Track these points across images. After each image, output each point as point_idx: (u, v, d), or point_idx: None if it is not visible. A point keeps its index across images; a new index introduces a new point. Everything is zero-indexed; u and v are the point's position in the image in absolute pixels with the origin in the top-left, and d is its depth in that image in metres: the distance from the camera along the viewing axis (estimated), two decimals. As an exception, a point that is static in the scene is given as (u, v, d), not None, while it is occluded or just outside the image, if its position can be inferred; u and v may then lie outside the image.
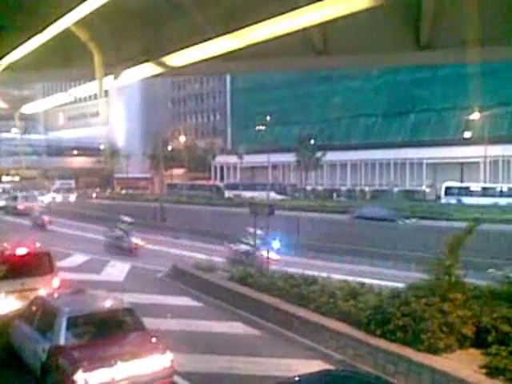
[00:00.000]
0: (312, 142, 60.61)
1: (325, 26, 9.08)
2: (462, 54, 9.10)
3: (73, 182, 75.47)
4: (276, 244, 18.94)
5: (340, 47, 9.69)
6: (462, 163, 55.24)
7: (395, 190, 54.56)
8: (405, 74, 57.93)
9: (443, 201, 46.81)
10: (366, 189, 57.73)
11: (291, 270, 14.92)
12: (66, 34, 9.21)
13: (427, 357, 8.48)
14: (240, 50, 8.92)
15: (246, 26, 8.07)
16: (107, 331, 8.14)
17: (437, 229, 23.10)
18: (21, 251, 12.04)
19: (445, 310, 9.19)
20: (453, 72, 50.23)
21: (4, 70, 11.44)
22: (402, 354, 8.71)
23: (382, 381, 6.87)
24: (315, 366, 8.88)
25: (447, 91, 56.42)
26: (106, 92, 67.94)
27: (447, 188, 48.34)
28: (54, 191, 64.42)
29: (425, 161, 57.79)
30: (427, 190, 53.44)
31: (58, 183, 71.96)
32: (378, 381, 6.61)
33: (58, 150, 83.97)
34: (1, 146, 73.04)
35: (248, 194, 54.48)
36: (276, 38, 8.10)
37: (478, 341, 8.92)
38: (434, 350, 8.63)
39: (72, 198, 60.29)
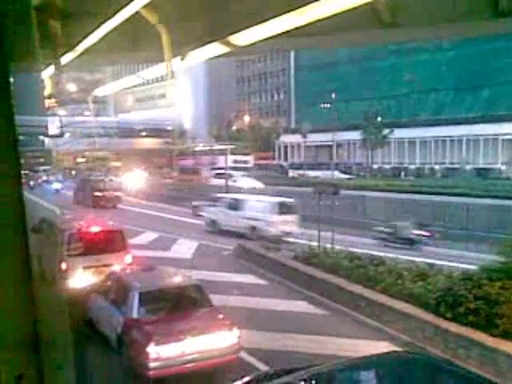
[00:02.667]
0: (379, 118, 58.96)
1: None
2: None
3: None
4: None
5: (409, 19, 9.24)
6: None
7: (467, 167, 52.16)
8: (479, 44, 54.54)
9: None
10: (436, 167, 55.58)
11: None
12: (136, 17, 9.42)
13: (502, 342, 8.13)
14: (305, 26, 8.74)
15: (311, 2, 7.89)
16: (177, 306, 8.44)
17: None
18: (95, 229, 12.67)
19: (521, 294, 8.75)
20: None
21: (78, 55, 11.90)
22: (475, 338, 8.40)
23: (453, 365, 6.66)
24: (382, 347, 8.78)
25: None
26: (173, 74, 69.17)
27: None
28: None
29: (500, 137, 54.64)
30: (503, 168, 50.65)
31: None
32: (448, 365, 6.41)
33: (128, 132, 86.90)
34: (75, 128, 76.59)
35: (312, 174, 54.09)
36: (342, 12, 7.86)
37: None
38: (509, 336, 8.25)
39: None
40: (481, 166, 52.92)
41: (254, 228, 20.98)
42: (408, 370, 5.67)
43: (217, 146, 59.07)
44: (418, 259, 14.00)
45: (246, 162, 59.61)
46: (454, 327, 8.87)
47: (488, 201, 27.48)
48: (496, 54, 55.10)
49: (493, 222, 21.53)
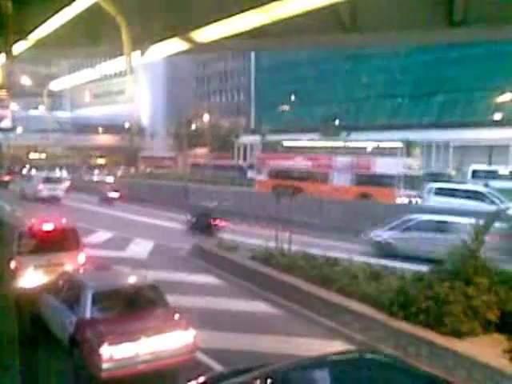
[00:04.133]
0: (337, 122, 59.87)
1: (354, 2, 8.88)
2: (497, 30, 8.80)
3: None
4: None
5: (369, 24, 9.45)
6: (491, 146, 53.94)
7: (420, 172, 53.60)
8: (433, 53, 56.34)
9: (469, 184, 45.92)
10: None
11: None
12: (94, 8, 9.21)
13: (450, 340, 8.43)
14: (267, 26, 8.79)
15: (274, 1, 7.93)
16: (131, 307, 8.31)
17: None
18: (47, 227, 12.29)
19: (469, 294, 9.09)
20: (483, 51, 48.79)
21: (31, 46, 11.52)
22: (425, 336, 8.67)
23: (403, 362, 6.84)
24: (337, 346, 8.93)
25: (477, 71, 54.78)
26: (132, 69, 67.99)
27: (474, 171, 47.27)
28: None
29: (452, 143, 56.60)
30: (453, 173, 52.46)
31: None
32: (398, 362, 6.58)
33: (84, 128, 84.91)
34: (29, 122, 74.15)
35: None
36: (304, 13, 7.94)
37: (503, 326, 8.80)
38: (457, 334, 8.56)
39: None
40: (433, 170, 54.58)
41: None
42: (360, 367, 5.78)
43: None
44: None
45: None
46: (405, 326, 9.13)
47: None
48: (448, 62, 57.04)
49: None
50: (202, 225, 22.42)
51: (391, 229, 19.33)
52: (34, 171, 50.53)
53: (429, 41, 16.15)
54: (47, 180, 36.87)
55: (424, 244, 17.79)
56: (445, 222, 18.27)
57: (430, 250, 16.42)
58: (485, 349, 8.06)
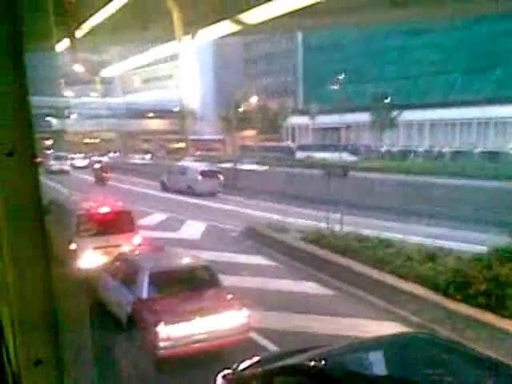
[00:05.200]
0: (387, 100, 58.34)
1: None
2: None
3: None
4: None
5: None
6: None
7: (476, 150, 51.61)
8: (489, 24, 53.63)
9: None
10: (445, 150, 55.09)
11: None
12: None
13: (512, 324, 8.14)
14: (316, 5, 8.61)
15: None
16: (186, 287, 8.48)
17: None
18: (104, 210, 12.71)
19: (532, 275, 8.72)
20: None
21: (87, 34, 11.78)
22: (485, 319, 8.40)
23: (461, 345, 6.66)
24: (392, 327, 8.81)
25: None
26: (182, 54, 68.80)
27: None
28: None
29: (510, 119, 53.99)
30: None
31: None
32: (457, 345, 6.41)
33: (135, 113, 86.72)
34: (82, 109, 76.54)
35: (320, 155, 53.73)
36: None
37: None
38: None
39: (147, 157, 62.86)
40: (491, 149, 52.33)
41: None
42: (417, 350, 5.68)
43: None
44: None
45: None
46: (463, 308, 8.88)
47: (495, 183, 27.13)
48: (506, 34, 54.13)
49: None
50: None
51: None
52: (188, 162, 43.56)
53: (482, 11, 15.42)
54: (205, 173, 31.98)
55: None
56: None
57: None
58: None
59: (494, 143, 54.41)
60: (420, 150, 57.81)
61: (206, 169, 33.64)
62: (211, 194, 30.86)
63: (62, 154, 52.36)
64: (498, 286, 8.72)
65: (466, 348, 6.46)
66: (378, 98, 58.52)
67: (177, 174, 33.90)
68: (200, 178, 31.50)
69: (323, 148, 59.14)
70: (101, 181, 36.02)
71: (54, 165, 44.47)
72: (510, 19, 49.40)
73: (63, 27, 9.11)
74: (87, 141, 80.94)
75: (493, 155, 48.54)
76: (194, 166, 36.48)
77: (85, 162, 54.00)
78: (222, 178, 32.67)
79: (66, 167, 46.97)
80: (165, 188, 33.59)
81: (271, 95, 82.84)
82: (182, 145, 76.86)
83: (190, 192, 30.70)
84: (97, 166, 39.92)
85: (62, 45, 11.92)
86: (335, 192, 16.22)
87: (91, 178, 37.89)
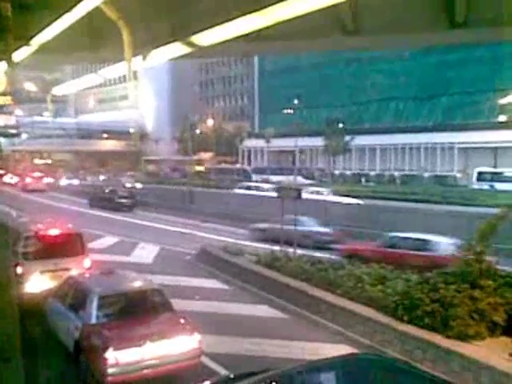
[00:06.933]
0: (340, 125, 59.85)
1: (355, 4, 8.86)
2: (499, 32, 8.79)
3: None
4: None
5: (371, 27, 9.43)
6: (495, 148, 53.76)
7: (426, 175, 53.56)
8: (437, 55, 56.35)
9: (475, 186, 45.74)
10: (396, 174, 56.87)
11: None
12: (96, 13, 9.22)
13: (456, 343, 8.38)
14: (268, 29, 8.76)
15: (275, 3, 7.93)
16: (137, 311, 8.30)
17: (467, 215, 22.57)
18: (53, 232, 12.31)
19: (475, 296, 9.05)
20: (486, 53, 48.79)
21: (34, 52, 11.56)
22: (430, 340, 8.62)
23: (410, 366, 6.80)
24: (342, 350, 8.90)
25: (481, 73, 54.78)
26: (135, 75, 68.42)
27: (479, 173, 47.16)
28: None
29: (456, 145, 56.51)
30: (458, 175, 52.31)
31: None
32: (405, 366, 6.54)
33: (89, 133, 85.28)
34: (33, 128, 74.55)
35: (275, 178, 54.27)
36: (305, 15, 7.92)
37: (510, 329, 8.76)
38: (463, 337, 8.51)
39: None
40: (438, 173, 54.47)
41: None
42: (366, 371, 5.75)
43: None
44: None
45: None
46: (410, 329, 9.08)
47: (444, 207, 28.28)
48: (452, 65, 57.04)
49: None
50: None
51: None
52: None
53: (430, 43, 16.14)
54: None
55: None
56: None
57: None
58: (492, 352, 8.01)
59: (441, 167, 56.68)
60: (372, 173, 59.43)
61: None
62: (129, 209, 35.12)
63: None
64: (442, 307, 9.00)
65: (414, 368, 6.61)
66: (331, 122, 59.94)
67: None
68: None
69: (278, 171, 59.86)
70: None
71: None
72: (455, 52, 52.25)
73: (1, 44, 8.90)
74: (39, 161, 78.59)
75: (441, 179, 50.53)
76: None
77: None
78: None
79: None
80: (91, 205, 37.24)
81: (227, 118, 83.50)
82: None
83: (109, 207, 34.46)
84: None
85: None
86: (288, 214, 16.40)
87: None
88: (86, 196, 40.55)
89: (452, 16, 8.49)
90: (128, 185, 45.77)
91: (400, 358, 7.81)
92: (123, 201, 36.04)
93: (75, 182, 55.06)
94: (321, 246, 19.63)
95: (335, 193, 36.10)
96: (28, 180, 49.20)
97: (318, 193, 32.96)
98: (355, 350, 8.89)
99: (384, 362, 6.15)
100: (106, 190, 38.27)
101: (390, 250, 15.76)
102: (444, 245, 14.85)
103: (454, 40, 12.08)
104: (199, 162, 66.21)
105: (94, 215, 32.41)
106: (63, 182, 54.27)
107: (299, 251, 15.13)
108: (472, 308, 8.86)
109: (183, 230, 26.18)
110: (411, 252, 15.16)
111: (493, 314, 8.80)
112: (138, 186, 45.90)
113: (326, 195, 32.37)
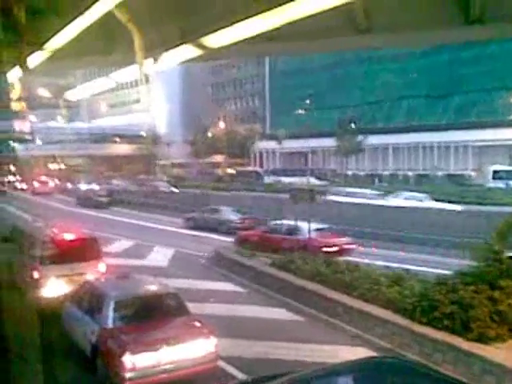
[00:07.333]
0: (353, 125, 59.57)
1: (368, 3, 8.76)
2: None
3: None
4: None
5: (384, 25, 9.30)
6: (510, 146, 53.05)
7: (439, 174, 53.08)
8: (449, 53, 55.83)
9: (490, 185, 45.17)
10: (409, 173, 56.44)
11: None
12: (107, 17, 9.23)
13: (476, 346, 8.23)
14: (279, 30, 8.68)
15: (286, 3, 7.86)
16: (153, 315, 8.29)
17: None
18: (68, 237, 12.38)
19: (494, 297, 8.89)
20: (500, 49, 48.19)
21: (47, 58, 11.62)
22: (450, 342, 8.48)
23: (429, 369, 6.70)
24: (360, 352, 8.81)
25: (494, 70, 54.07)
26: (147, 78, 68.65)
27: (495, 172, 46.57)
28: None
29: (470, 143, 55.94)
30: (472, 174, 51.75)
31: None
32: (424, 369, 6.44)
33: (102, 138, 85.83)
34: (47, 134, 75.25)
35: (287, 180, 54.15)
36: (317, 14, 7.84)
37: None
38: (483, 340, 8.35)
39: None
40: (452, 172, 53.96)
41: None
42: (385, 374, 5.68)
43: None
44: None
45: None
46: (429, 332, 8.95)
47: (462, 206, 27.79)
48: (465, 62, 56.43)
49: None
50: None
51: None
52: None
53: (445, 40, 15.89)
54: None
55: None
56: None
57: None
58: (513, 354, 7.86)
59: (455, 166, 56.14)
60: (385, 173, 59.04)
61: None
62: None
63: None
64: (461, 309, 8.85)
65: (434, 371, 6.51)
66: (344, 123, 59.69)
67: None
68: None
69: (290, 173, 59.75)
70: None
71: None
72: (467, 49, 51.76)
73: (16, 49, 8.94)
74: (54, 166, 79.23)
75: (456, 178, 50.03)
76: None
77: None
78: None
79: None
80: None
81: (239, 120, 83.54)
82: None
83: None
84: None
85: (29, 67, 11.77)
86: (303, 215, 16.34)
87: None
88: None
89: (467, 12, 8.35)
90: (163, 189, 45.84)
91: (420, 361, 7.67)
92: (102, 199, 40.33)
93: (95, 187, 55.56)
94: (232, 232, 22.94)
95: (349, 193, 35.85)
96: (36, 184, 55.29)
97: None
98: (374, 353, 8.79)
99: (404, 365, 6.06)
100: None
101: (270, 235, 19.22)
102: (307, 230, 16.87)
103: (470, 37, 11.91)
104: (229, 165, 66.61)
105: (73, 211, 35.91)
106: (82, 186, 54.81)
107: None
108: (492, 309, 8.70)
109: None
110: (285, 236, 18.40)
111: (514, 316, 8.64)
112: (175, 190, 45.58)
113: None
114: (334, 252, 17.01)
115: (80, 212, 35.87)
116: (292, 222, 18.65)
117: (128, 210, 37.90)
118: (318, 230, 17.98)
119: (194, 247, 20.77)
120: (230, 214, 26.48)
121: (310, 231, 16.50)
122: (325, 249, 16.70)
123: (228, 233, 23.68)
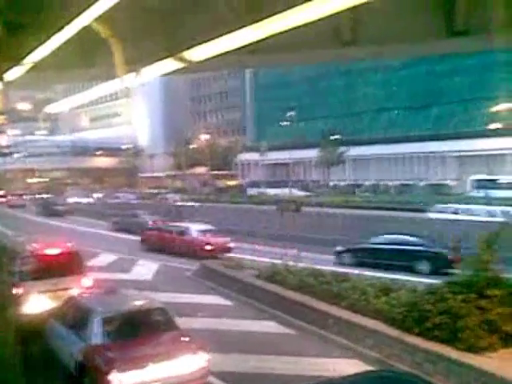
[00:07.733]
0: (335, 136, 60.05)
1: (353, 15, 8.80)
2: (499, 40, 8.78)
3: None
4: None
5: (369, 37, 9.39)
6: (488, 156, 54.00)
7: (421, 184, 53.71)
8: (428, 65, 56.83)
9: (470, 194, 45.83)
10: (390, 183, 56.98)
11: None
12: (87, 31, 9.12)
13: (467, 356, 8.19)
14: (263, 42, 8.64)
15: (270, 16, 7.84)
16: (141, 331, 8.08)
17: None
18: (50, 251, 12.07)
19: (483, 306, 8.90)
20: (477, 62, 49.17)
21: (27, 72, 11.43)
22: (441, 352, 8.44)
23: (424, 381, 6.64)
24: (352, 364, 8.72)
25: (472, 82, 55.24)
26: (128, 91, 68.33)
27: (474, 181, 47.34)
28: None
29: (449, 153, 56.84)
30: (452, 184, 52.50)
31: None
32: (419, 381, 6.38)
33: (83, 151, 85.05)
34: (27, 147, 74.24)
35: (271, 192, 54.24)
36: (301, 27, 7.82)
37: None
38: (474, 349, 8.33)
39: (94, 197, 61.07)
40: (433, 182, 54.66)
41: None
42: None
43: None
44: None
45: None
46: (420, 342, 8.90)
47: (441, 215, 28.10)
48: (443, 74, 57.49)
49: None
50: None
51: None
52: None
53: (430, 52, 16.18)
54: None
55: None
56: None
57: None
58: (505, 364, 7.84)
59: (435, 176, 56.88)
60: (366, 183, 59.52)
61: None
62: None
63: None
64: (451, 319, 8.83)
65: (428, 382, 6.46)
66: (326, 134, 60.16)
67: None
68: None
69: (274, 184, 59.91)
70: None
71: None
72: (445, 61, 52.75)
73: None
74: (32, 180, 78.06)
75: (436, 187, 50.65)
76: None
77: None
78: None
79: None
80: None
81: (222, 132, 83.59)
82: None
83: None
84: None
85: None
86: (288, 227, 16.31)
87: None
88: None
89: (452, 24, 8.47)
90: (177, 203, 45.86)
91: (414, 373, 7.58)
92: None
93: (84, 200, 57.81)
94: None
95: (330, 204, 36.00)
96: (11, 198, 59.19)
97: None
98: (365, 365, 8.70)
99: (400, 379, 5.99)
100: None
101: (165, 234, 22.93)
102: (194, 231, 21.89)
103: (455, 49, 12.09)
104: (231, 177, 66.76)
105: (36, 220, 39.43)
106: (70, 200, 56.32)
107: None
108: (481, 318, 8.70)
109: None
110: (176, 236, 22.21)
111: (503, 325, 8.63)
112: (196, 204, 44.78)
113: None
114: (214, 249, 20.41)
115: (35, 220, 39.94)
116: (184, 224, 23.19)
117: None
118: (203, 231, 21.80)
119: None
120: (146, 217, 30.06)
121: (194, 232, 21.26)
122: (206, 246, 20.48)
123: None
